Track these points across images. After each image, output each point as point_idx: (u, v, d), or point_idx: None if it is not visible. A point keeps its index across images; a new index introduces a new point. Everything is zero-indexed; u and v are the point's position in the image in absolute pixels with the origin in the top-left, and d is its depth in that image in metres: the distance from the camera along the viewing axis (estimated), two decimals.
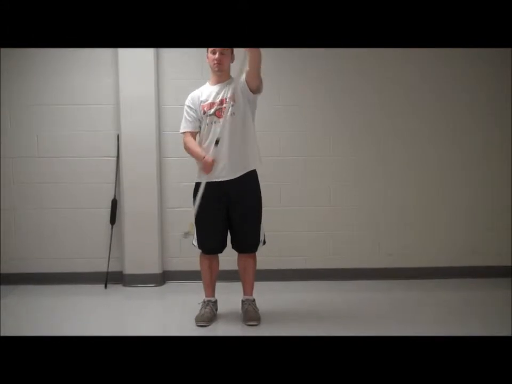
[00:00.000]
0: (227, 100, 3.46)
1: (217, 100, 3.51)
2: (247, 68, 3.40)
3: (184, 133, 3.62)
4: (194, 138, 3.59)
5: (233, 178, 3.50)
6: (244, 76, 3.47)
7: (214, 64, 3.49)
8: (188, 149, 3.61)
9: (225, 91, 3.51)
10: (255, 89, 3.50)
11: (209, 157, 3.44)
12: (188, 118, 3.60)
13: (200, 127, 3.58)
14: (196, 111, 3.57)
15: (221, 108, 3.48)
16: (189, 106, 3.61)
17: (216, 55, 3.46)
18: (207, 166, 3.45)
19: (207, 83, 3.64)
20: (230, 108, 3.44)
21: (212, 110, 3.49)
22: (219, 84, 3.55)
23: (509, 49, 4.49)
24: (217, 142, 3.41)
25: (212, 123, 3.50)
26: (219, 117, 3.48)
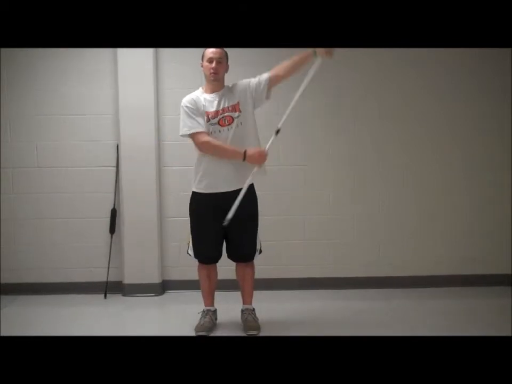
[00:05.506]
0: (229, 108, 3.44)
1: (220, 109, 3.45)
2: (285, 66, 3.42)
3: (194, 134, 3.42)
4: None
5: (234, 189, 3.45)
6: (257, 80, 3.46)
7: (210, 73, 3.44)
8: (217, 148, 3.41)
9: (224, 99, 3.47)
10: (271, 89, 3.50)
11: (259, 149, 3.42)
12: (195, 118, 3.42)
13: None
14: (202, 115, 3.44)
15: (224, 117, 3.43)
16: (191, 109, 3.44)
17: (213, 64, 3.42)
18: (262, 157, 3.40)
19: (201, 89, 3.56)
20: (236, 119, 3.43)
21: (216, 119, 3.43)
22: (216, 93, 3.50)
23: (509, 49, 4.48)
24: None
25: (214, 132, 3.44)
26: (222, 125, 3.44)
